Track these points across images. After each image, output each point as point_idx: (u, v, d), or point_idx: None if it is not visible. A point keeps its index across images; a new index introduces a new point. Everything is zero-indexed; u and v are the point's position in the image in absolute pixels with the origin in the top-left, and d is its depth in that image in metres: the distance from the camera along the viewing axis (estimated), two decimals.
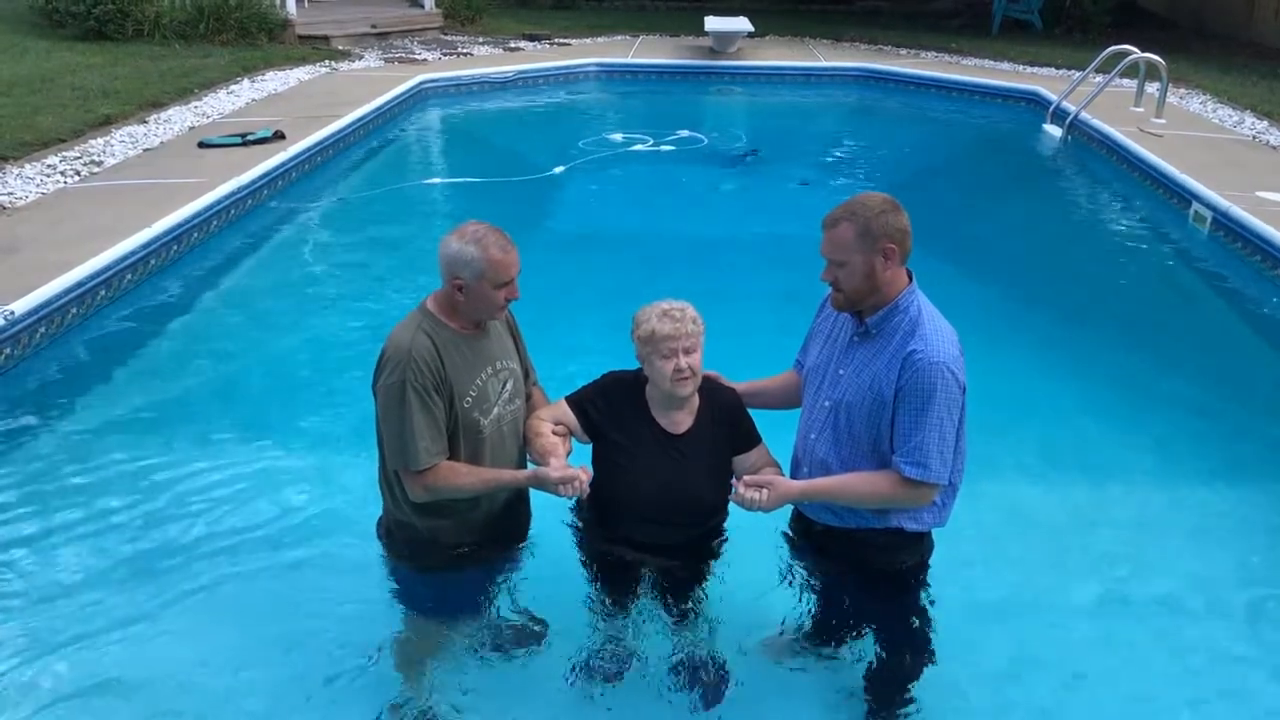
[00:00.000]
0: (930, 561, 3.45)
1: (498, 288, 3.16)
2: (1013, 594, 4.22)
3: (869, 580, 3.46)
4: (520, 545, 3.68)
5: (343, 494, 4.59)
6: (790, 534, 3.62)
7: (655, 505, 3.41)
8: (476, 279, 3.13)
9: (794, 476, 3.39)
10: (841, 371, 3.22)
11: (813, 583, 3.61)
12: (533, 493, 3.60)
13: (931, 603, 3.47)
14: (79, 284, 6.25)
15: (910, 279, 3.16)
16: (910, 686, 3.42)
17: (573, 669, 3.55)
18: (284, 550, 4.31)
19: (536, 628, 3.73)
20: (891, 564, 3.40)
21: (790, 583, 3.63)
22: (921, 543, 3.39)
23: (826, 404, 3.25)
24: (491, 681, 3.55)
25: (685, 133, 11.54)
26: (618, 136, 11.37)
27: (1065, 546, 4.59)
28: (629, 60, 14.83)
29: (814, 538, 3.50)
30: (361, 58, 14.59)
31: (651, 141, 11.22)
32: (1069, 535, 4.67)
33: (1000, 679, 3.75)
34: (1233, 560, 4.50)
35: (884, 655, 3.48)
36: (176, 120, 10.41)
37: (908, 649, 3.46)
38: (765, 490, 3.15)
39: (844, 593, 3.56)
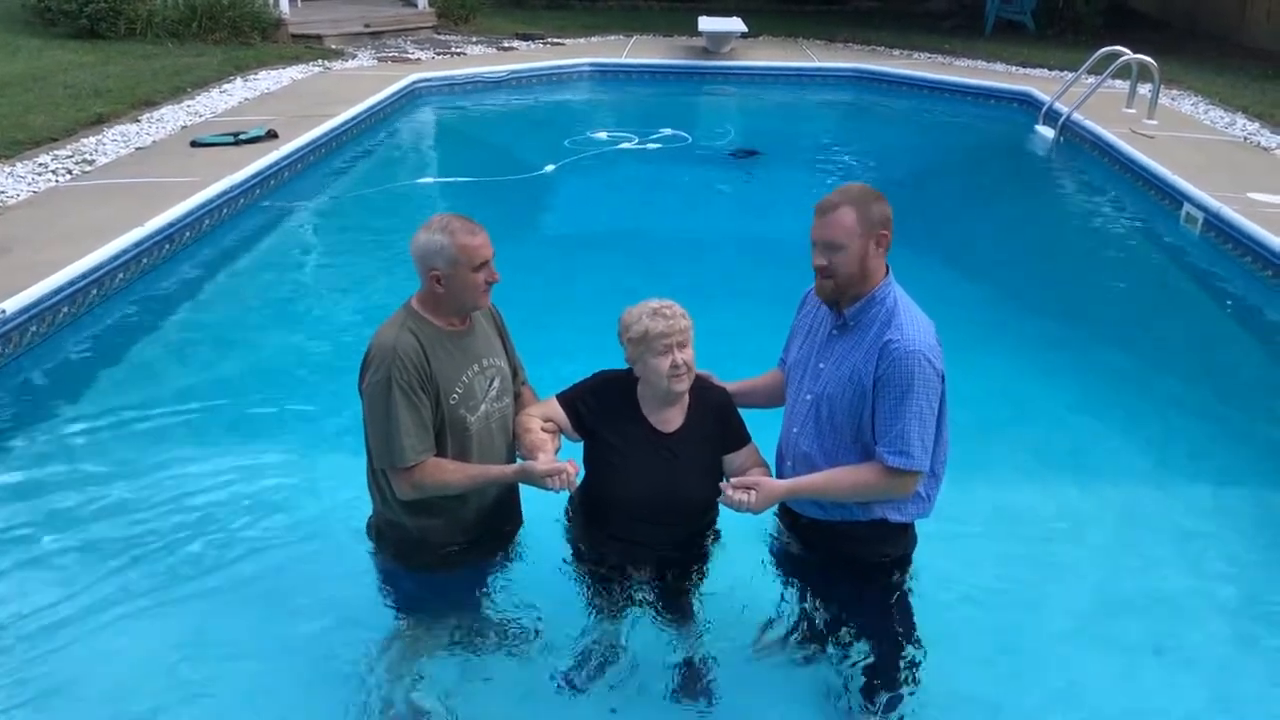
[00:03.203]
0: (913, 555, 3.49)
1: (475, 270, 3.17)
2: (1005, 593, 4.22)
3: (855, 573, 3.50)
4: (511, 544, 3.69)
5: (333, 493, 4.58)
6: (777, 528, 3.65)
7: (647, 505, 3.42)
8: (451, 266, 3.14)
9: (778, 470, 3.44)
10: (822, 365, 3.26)
11: (800, 577, 3.64)
12: (522, 492, 3.61)
13: (910, 594, 3.51)
14: (71, 283, 6.23)
15: (887, 271, 3.20)
16: (898, 678, 3.44)
17: (563, 668, 3.55)
18: (273, 550, 4.30)
19: (527, 627, 3.73)
20: (876, 556, 3.44)
21: (778, 578, 3.66)
22: (905, 535, 3.43)
23: (808, 398, 3.29)
24: (482, 681, 3.55)
25: (669, 131, 11.56)
26: (603, 135, 11.38)
27: (1058, 546, 4.59)
28: (622, 60, 14.83)
29: (800, 531, 3.54)
30: (355, 57, 14.57)
31: (637, 140, 11.24)
32: (1062, 535, 4.68)
33: (991, 679, 3.75)
34: (1225, 561, 4.50)
35: (871, 648, 3.50)
36: (169, 119, 10.39)
37: (894, 641, 3.48)
38: (753, 492, 3.18)
39: (831, 586, 3.59)
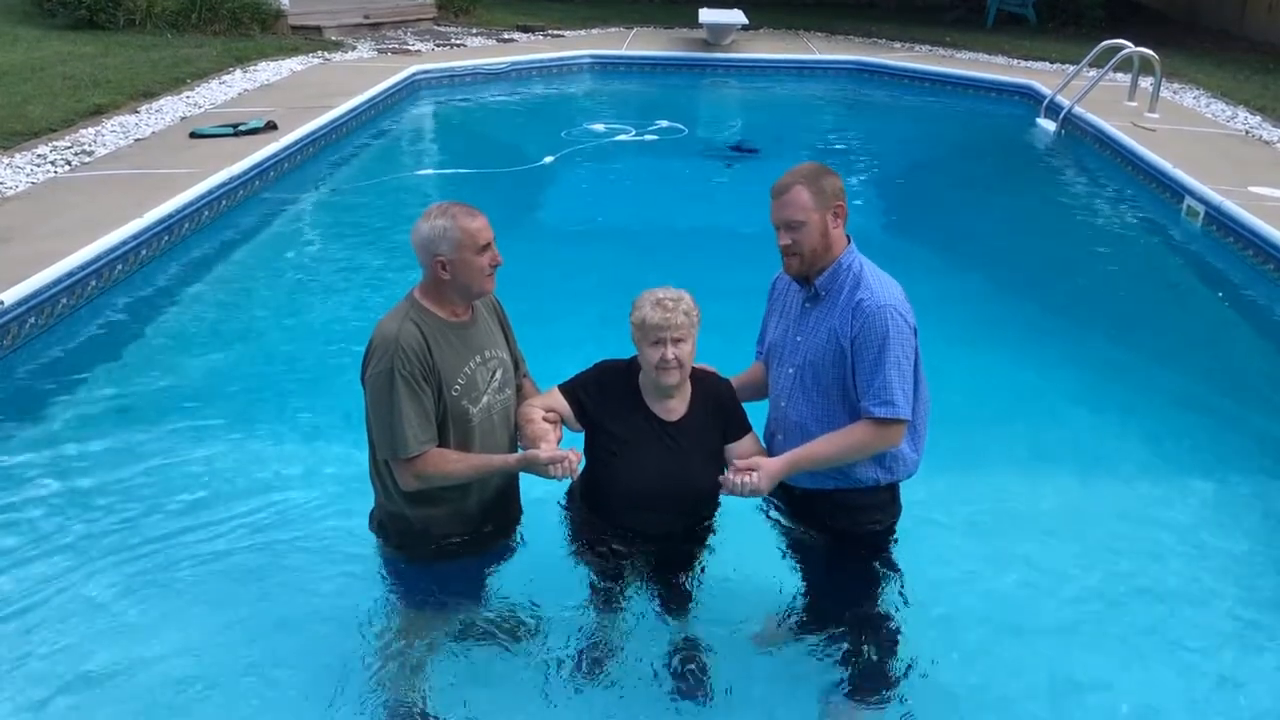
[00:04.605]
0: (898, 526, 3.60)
1: (478, 253, 3.19)
2: (1001, 587, 4.22)
3: (848, 543, 3.57)
4: (512, 535, 3.69)
5: (334, 485, 4.58)
6: (773, 502, 3.68)
7: (650, 493, 3.42)
8: (455, 250, 3.15)
9: (769, 445, 3.52)
10: (799, 338, 3.38)
11: (796, 555, 3.68)
12: (523, 483, 3.60)
13: (896, 569, 3.61)
14: (69, 274, 6.22)
15: (849, 240, 3.33)
16: (895, 657, 3.48)
17: (564, 658, 3.54)
18: (274, 541, 4.29)
19: (528, 618, 3.73)
20: (868, 523, 3.52)
21: (775, 558, 3.68)
22: (894, 502, 3.54)
23: (790, 370, 3.39)
24: (483, 672, 3.54)
25: (665, 123, 11.58)
26: (599, 127, 11.38)
27: (1055, 539, 4.58)
28: (623, 52, 14.81)
29: (794, 503, 3.59)
30: (354, 48, 14.55)
31: (634, 132, 11.23)
32: (1059, 528, 4.67)
33: (988, 671, 3.74)
34: (1223, 553, 4.50)
35: (867, 624, 3.54)
36: (168, 110, 10.37)
37: (887, 611, 3.54)
38: (755, 473, 3.22)
39: (826, 558, 3.64)
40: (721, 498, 3.53)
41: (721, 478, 3.28)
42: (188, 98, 10.95)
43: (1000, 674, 3.75)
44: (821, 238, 3.24)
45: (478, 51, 14.55)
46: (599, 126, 11.40)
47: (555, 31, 16.25)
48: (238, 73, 12.32)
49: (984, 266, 7.95)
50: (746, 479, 3.21)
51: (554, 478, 3.21)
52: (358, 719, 3.38)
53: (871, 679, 3.47)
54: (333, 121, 10.24)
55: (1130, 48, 11.33)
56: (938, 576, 4.03)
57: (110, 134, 9.39)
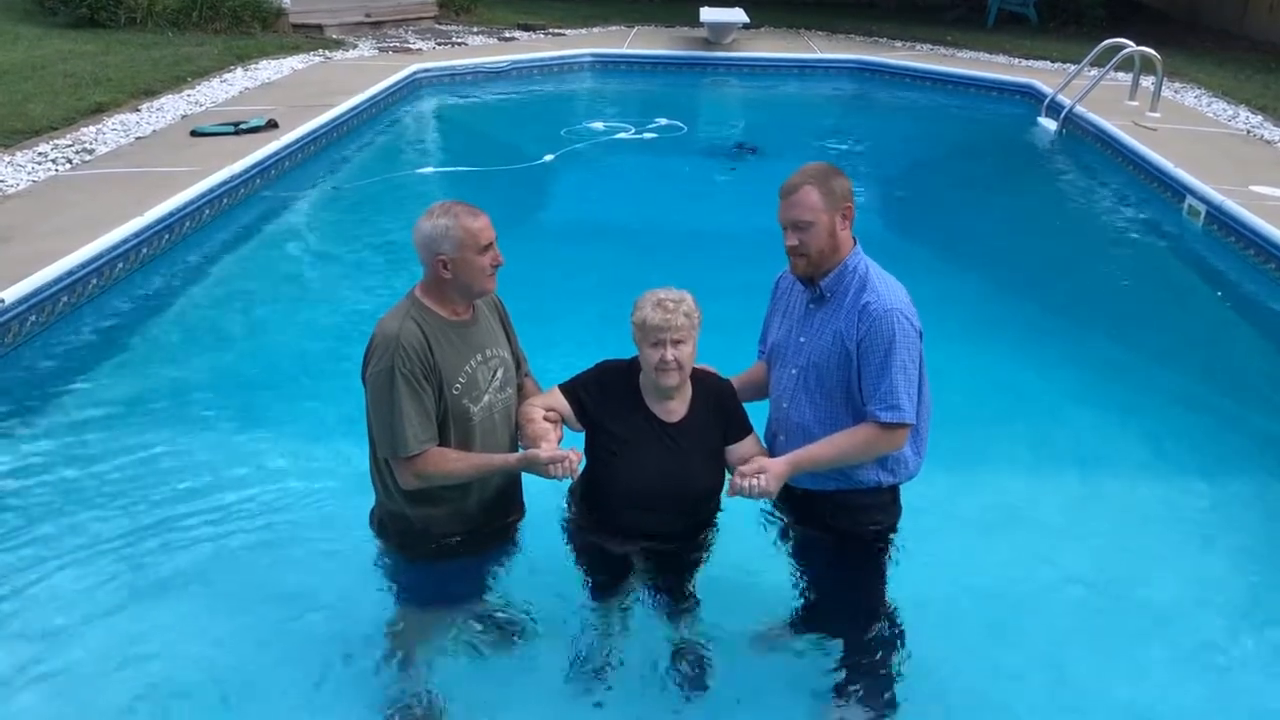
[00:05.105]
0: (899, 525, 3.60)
1: (480, 253, 3.19)
2: (1002, 587, 4.22)
3: (849, 543, 3.57)
4: (513, 535, 3.69)
5: (335, 484, 4.58)
6: (773, 502, 3.68)
7: (650, 494, 3.42)
8: (458, 249, 3.16)
9: (770, 446, 3.51)
10: (803, 339, 3.37)
11: (796, 557, 3.68)
12: (524, 483, 3.61)
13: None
14: (70, 272, 6.22)
15: (855, 242, 3.33)
16: (895, 654, 3.49)
17: (562, 658, 3.54)
18: (274, 541, 4.30)
19: (527, 617, 3.73)
20: (869, 524, 3.52)
21: (776, 559, 3.68)
22: (895, 503, 3.54)
23: (793, 371, 3.39)
24: (482, 671, 3.55)
25: (664, 121, 11.59)
26: (599, 125, 11.39)
27: (1055, 539, 4.58)
28: (623, 51, 14.80)
29: (795, 503, 3.59)
30: (355, 47, 14.54)
31: (633, 130, 11.24)
32: (1059, 527, 4.67)
33: (987, 671, 3.74)
34: (1223, 552, 4.51)
35: (866, 619, 3.54)
36: (169, 108, 10.37)
37: (887, 611, 3.56)
38: (762, 475, 3.21)
39: (827, 558, 3.64)
40: (722, 498, 3.53)
41: (730, 481, 3.28)
42: (189, 96, 10.95)
43: (1001, 674, 3.74)
44: (829, 239, 3.23)
45: (478, 50, 14.54)
46: (599, 125, 11.41)
47: (556, 30, 16.25)
48: (239, 71, 12.31)
49: (984, 266, 7.95)
50: (755, 482, 3.21)
51: (554, 477, 3.21)
52: (357, 716, 3.38)
53: (872, 679, 3.46)
54: (334, 120, 10.24)
55: (1131, 47, 11.32)
56: (938, 576, 4.03)
57: (111, 132, 9.39)
